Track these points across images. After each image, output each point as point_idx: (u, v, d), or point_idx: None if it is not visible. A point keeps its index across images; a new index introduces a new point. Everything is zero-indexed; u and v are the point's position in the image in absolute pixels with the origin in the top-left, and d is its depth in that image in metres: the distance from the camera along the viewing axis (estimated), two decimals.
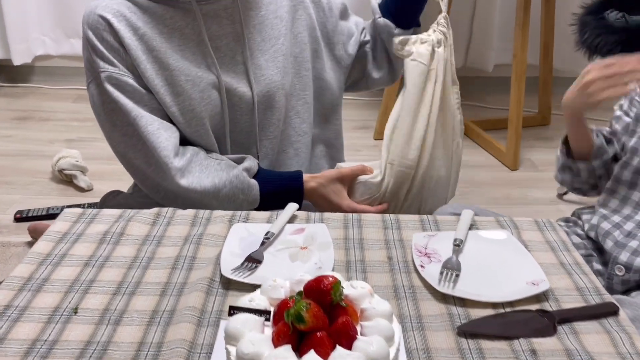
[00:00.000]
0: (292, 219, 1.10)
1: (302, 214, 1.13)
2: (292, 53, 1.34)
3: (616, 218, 1.24)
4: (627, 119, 1.32)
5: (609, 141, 1.34)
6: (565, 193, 2.42)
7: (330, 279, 0.70)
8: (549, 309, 0.88)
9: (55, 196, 2.35)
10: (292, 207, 1.12)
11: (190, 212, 1.12)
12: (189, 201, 1.20)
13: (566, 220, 1.39)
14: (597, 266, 1.24)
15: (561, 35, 2.98)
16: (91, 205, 2.18)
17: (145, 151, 1.20)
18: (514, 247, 1.02)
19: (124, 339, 0.81)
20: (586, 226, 1.29)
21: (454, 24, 1.40)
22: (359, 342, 0.66)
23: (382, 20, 1.38)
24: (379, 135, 2.89)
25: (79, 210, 1.12)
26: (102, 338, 0.81)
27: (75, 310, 0.86)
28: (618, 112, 1.34)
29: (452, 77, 1.33)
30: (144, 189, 1.28)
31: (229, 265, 0.95)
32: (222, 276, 0.93)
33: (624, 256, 1.17)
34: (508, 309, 0.88)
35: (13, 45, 3.24)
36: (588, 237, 1.29)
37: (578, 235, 1.30)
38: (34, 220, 2.13)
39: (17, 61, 3.29)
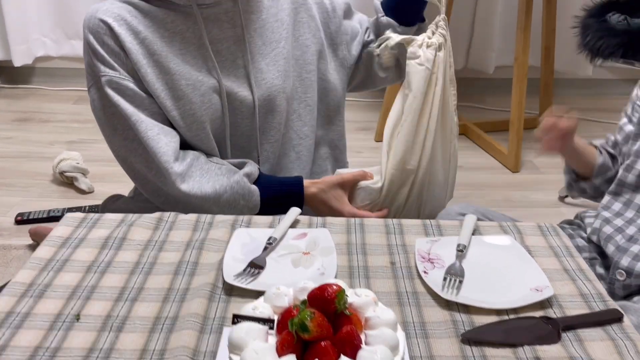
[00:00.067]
0: (294, 224, 1.10)
1: (304, 218, 1.12)
2: (293, 56, 1.34)
3: (619, 222, 1.24)
4: (628, 129, 1.32)
5: (613, 157, 1.35)
6: (566, 196, 2.42)
7: (335, 287, 0.70)
8: (553, 315, 0.88)
9: (56, 198, 2.35)
10: (294, 211, 1.11)
11: (192, 216, 1.12)
12: (190, 206, 1.20)
13: (570, 222, 1.38)
14: (600, 270, 1.24)
15: (562, 37, 2.98)
16: (92, 208, 2.18)
17: (145, 155, 1.20)
18: (518, 252, 1.02)
19: (126, 346, 0.81)
20: (588, 230, 1.29)
21: (454, 25, 1.40)
22: (364, 352, 0.66)
23: (385, 19, 1.39)
24: (380, 137, 2.88)
25: (80, 214, 1.12)
26: (105, 345, 0.81)
27: (77, 317, 0.86)
28: (622, 121, 1.35)
29: (450, 78, 1.33)
30: (144, 193, 1.28)
31: (232, 271, 0.95)
32: (224, 282, 0.93)
33: (625, 261, 1.17)
34: (512, 316, 0.88)
35: (13, 46, 3.24)
36: (590, 241, 1.29)
37: (582, 237, 1.30)
38: (34, 222, 2.13)
39: (17, 62, 3.29)
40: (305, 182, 1.28)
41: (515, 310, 0.89)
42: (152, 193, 1.25)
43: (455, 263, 0.98)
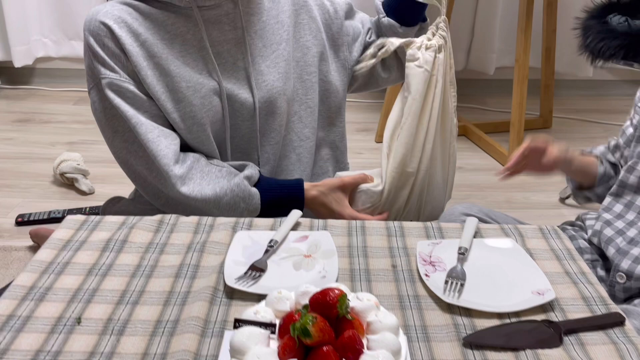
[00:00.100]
0: (295, 226, 1.10)
1: (305, 220, 1.12)
2: (294, 58, 1.34)
3: (619, 224, 1.24)
4: (630, 131, 1.32)
5: (614, 165, 1.35)
6: (567, 197, 2.42)
7: (337, 291, 0.70)
8: (555, 319, 0.88)
9: (56, 200, 2.34)
10: (295, 214, 1.11)
11: (193, 219, 1.12)
12: (190, 208, 1.20)
13: (572, 224, 1.39)
14: (601, 272, 1.24)
15: (563, 38, 2.98)
16: (93, 209, 2.18)
17: (146, 158, 1.20)
18: (519, 255, 1.02)
19: (127, 349, 0.81)
20: (589, 232, 1.29)
21: (455, 26, 1.40)
22: (366, 357, 0.66)
23: (387, 20, 1.38)
24: (380, 138, 2.88)
25: (81, 217, 1.12)
26: (106, 349, 0.81)
27: (78, 320, 0.86)
28: (625, 123, 1.35)
29: (450, 79, 1.33)
30: (145, 195, 1.27)
31: (233, 273, 0.95)
32: (225, 285, 0.93)
33: (625, 264, 1.17)
34: (514, 319, 0.88)
35: (14, 47, 3.24)
36: (592, 243, 1.29)
37: (584, 239, 1.30)
38: (35, 224, 2.13)
39: (17, 63, 3.29)
40: (306, 184, 1.28)
41: (516, 314, 0.89)
42: (153, 195, 1.25)
43: (456, 266, 0.98)
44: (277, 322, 0.72)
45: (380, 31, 1.43)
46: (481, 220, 1.36)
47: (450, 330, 0.85)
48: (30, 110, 3.15)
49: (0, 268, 1.91)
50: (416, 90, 1.25)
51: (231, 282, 0.92)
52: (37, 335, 0.83)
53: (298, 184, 1.28)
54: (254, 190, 1.24)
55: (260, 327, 0.70)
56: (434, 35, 1.29)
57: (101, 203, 1.50)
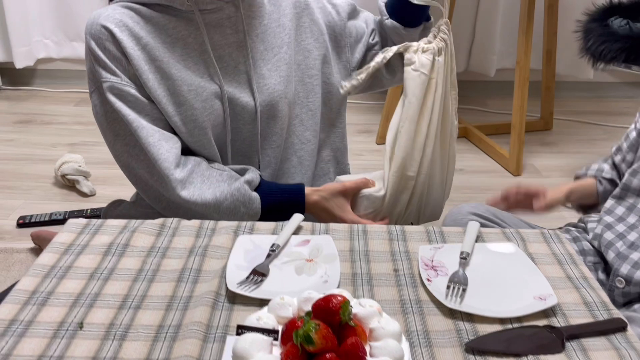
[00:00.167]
0: (297, 230, 1.10)
1: (307, 224, 1.12)
2: (295, 61, 1.34)
3: (620, 227, 1.24)
4: (633, 135, 1.32)
5: (612, 181, 1.37)
6: None
7: (339, 298, 0.70)
8: (557, 324, 0.88)
9: (58, 201, 2.34)
10: (297, 217, 1.11)
11: (195, 222, 1.12)
12: (191, 212, 1.20)
13: (575, 225, 1.39)
14: (601, 276, 1.24)
15: (563, 40, 2.99)
16: (94, 211, 2.18)
17: (147, 161, 1.20)
18: (521, 260, 1.01)
19: (129, 355, 0.81)
20: (590, 235, 1.29)
21: (456, 28, 1.40)
22: None
23: (390, 22, 1.38)
24: (381, 140, 2.88)
25: (83, 220, 1.12)
26: (108, 354, 0.81)
27: (80, 325, 0.86)
28: (630, 127, 1.35)
29: (451, 82, 1.32)
30: (146, 198, 1.27)
31: (235, 278, 0.95)
32: (227, 290, 0.93)
33: (624, 269, 1.17)
34: (515, 325, 0.88)
35: (15, 48, 3.24)
36: (592, 246, 1.29)
37: (588, 240, 1.31)
38: (36, 226, 2.13)
39: (19, 64, 3.29)
40: (307, 189, 1.28)
41: (518, 319, 0.89)
42: (154, 199, 1.25)
43: (458, 271, 0.98)
44: (280, 328, 0.72)
45: (384, 32, 1.42)
46: (488, 220, 1.36)
47: (452, 335, 0.85)
48: (31, 112, 3.15)
49: (1, 270, 1.91)
50: (412, 94, 1.24)
51: (233, 287, 0.92)
52: (40, 340, 0.83)
53: (299, 189, 1.28)
54: (255, 194, 1.24)
55: (263, 333, 0.70)
56: (435, 37, 1.28)
57: (102, 205, 1.51)
